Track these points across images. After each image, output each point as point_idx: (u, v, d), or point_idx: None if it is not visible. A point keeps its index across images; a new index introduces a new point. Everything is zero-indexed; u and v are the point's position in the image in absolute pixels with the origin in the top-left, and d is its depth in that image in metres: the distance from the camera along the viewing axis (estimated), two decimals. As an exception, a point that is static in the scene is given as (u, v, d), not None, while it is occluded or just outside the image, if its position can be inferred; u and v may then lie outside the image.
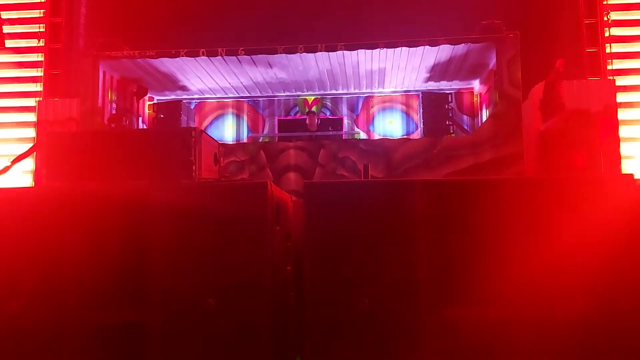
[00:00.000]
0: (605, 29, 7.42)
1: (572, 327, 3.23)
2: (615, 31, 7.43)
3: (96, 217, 3.43)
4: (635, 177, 3.49)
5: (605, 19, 7.42)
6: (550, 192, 3.37)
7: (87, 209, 3.45)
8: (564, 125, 4.38)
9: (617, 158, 6.31)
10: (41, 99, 7.64)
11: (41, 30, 7.97)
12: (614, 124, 6.38)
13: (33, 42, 7.98)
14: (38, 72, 7.91)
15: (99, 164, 3.81)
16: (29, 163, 7.18)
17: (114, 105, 7.17)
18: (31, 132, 7.60)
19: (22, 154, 6.20)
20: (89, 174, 3.77)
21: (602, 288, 3.24)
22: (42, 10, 8.01)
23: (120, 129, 6.74)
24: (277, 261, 3.50)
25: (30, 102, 7.73)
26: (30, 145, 7.07)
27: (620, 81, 7.11)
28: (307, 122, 7.96)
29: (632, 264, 3.25)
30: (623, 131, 6.51)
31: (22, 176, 7.26)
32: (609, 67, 7.34)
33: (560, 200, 3.32)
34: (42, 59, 7.92)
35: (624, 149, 6.54)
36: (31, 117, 7.62)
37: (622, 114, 6.68)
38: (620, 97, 6.75)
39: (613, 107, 6.46)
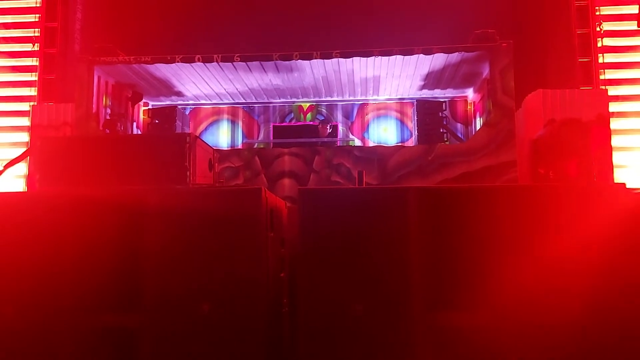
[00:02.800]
0: (598, 39, 7.51)
1: (565, 335, 3.24)
2: (608, 41, 7.52)
3: (90, 222, 3.42)
4: (627, 186, 3.52)
5: (598, 29, 7.51)
6: (542, 200, 3.39)
7: (80, 214, 3.44)
8: (557, 134, 4.42)
9: (609, 167, 6.36)
10: (35, 103, 7.62)
11: (36, 34, 7.97)
12: (607, 133, 6.43)
13: (28, 47, 7.97)
14: (32, 77, 7.89)
15: (93, 169, 3.80)
16: (22, 168, 7.15)
17: (109, 111, 7.16)
18: (25, 137, 7.58)
19: (15, 159, 6.17)
20: (82, 179, 3.76)
21: (596, 296, 3.26)
22: (37, 15, 8.00)
23: (115, 134, 6.73)
24: (271, 267, 3.50)
25: (24, 106, 7.71)
26: (24, 149, 7.04)
27: (612, 91, 7.19)
28: (319, 130, 8.03)
29: (624, 273, 3.28)
30: (615, 140, 6.55)
31: (14, 181, 7.22)
32: (602, 77, 7.42)
33: (552, 209, 3.34)
34: (37, 63, 7.91)
35: (617, 158, 6.58)
36: (25, 121, 7.60)
37: (614, 124, 6.74)
38: (613, 107, 6.82)
39: (606, 116, 6.51)
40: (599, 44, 7.51)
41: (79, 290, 3.37)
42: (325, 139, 7.99)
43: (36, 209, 3.49)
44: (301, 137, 7.94)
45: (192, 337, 3.31)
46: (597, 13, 7.54)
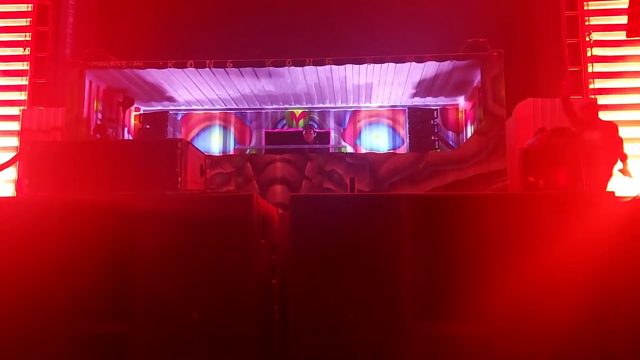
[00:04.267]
0: (588, 49, 7.61)
1: (555, 344, 3.25)
2: (598, 51, 7.61)
3: (79, 228, 3.39)
4: (616, 194, 3.56)
5: (587, 39, 7.61)
6: (532, 208, 3.41)
7: (70, 220, 3.40)
8: (547, 142, 4.45)
9: (599, 175, 6.41)
10: (25, 107, 7.57)
11: (27, 38, 7.93)
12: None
13: (19, 51, 7.93)
14: (23, 81, 7.84)
15: (83, 174, 3.76)
16: (11, 172, 7.09)
17: (100, 115, 7.12)
18: (14, 141, 7.52)
19: (4, 163, 6.11)
20: (72, 184, 3.72)
21: (586, 304, 3.27)
22: (28, 19, 7.97)
23: (106, 139, 6.70)
24: (262, 274, 3.48)
25: (15, 110, 7.66)
26: (13, 154, 6.99)
27: (602, 100, 7.27)
28: (304, 136, 8.01)
29: (614, 280, 3.30)
30: (604, 149, 6.61)
31: (3, 185, 7.16)
32: (591, 87, 7.51)
33: (542, 217, 3.36)
34: (28, 67, 7.87)
35: (606, 166, 6.64)
36: (15, 125, 7.54)
37: (604, 132, 6.80)
38: (602, 116, 6.89)
39: (595, 125, 6.57)
40: (589, 54, 7.61)
41: (68, 296, 3.33)
42: (317, 146, 8.00)
43: (25, 214, 3.46)
44: (293, 143, 7.95)
45: (182, 343, 3.28)
46: (587, 23, 7.65)
